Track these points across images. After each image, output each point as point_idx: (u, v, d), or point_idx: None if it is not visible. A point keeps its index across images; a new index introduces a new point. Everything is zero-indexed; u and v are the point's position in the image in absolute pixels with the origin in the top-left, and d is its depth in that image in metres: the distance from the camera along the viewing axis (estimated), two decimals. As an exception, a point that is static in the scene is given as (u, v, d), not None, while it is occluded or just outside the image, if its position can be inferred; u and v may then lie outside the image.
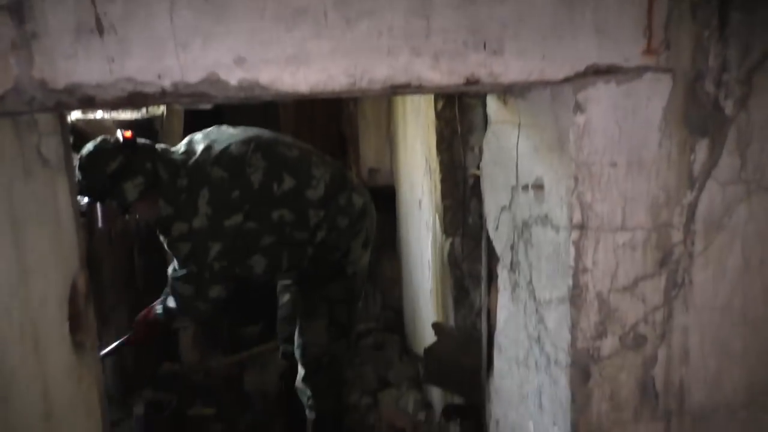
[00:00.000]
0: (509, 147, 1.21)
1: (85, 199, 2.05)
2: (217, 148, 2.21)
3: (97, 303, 2.82)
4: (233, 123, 2.43)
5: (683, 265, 1.04)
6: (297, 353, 2.42)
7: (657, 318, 1.06)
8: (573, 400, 1.06)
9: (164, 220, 2.16)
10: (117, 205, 2.11)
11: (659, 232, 1.02)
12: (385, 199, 3.89)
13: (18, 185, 1.00)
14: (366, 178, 4.14)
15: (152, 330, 2.45)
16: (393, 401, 3.23)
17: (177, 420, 2.73)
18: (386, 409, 3.14)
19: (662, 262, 1.04)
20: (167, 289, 2.34)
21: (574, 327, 1.04)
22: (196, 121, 3.47)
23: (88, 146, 2.08)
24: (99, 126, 3.16)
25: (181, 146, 2.26)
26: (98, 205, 2.14)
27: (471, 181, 2.38)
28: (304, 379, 2.41)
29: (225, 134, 2.30)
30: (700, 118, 1.00)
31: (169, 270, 2.33)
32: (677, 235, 1.03)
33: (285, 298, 2.63)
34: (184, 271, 2.21)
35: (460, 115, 2.30)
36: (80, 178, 2.02)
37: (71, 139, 2.68)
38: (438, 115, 2.42)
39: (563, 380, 1.07)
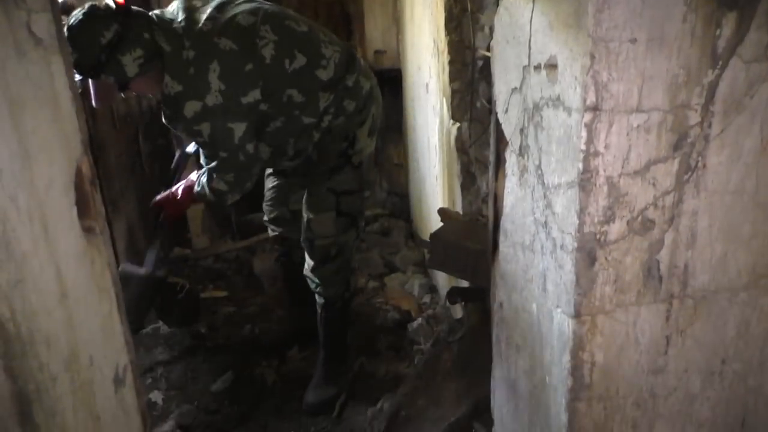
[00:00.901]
0: (522, 23, 1.15)
1: (77, 77, 1.85)
2: (222, 18, 2.00)
3: (104, 189, 2.85)
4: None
5: (698, 148, 1.02)
6: (305, 245, 2.42)
7: (667, 202, 1.05)
8: (577, 284, 1.07)
9: (173, 100, 1.97)
10: (114, 81, 1.93)
11: (676, 114, 0.99)
12: (392, 82, 3.79)
13: (11, 66, 0.96)
14: (371, 61, 4.02)
15: (186, 200, 2.37)
16: (399, 285, 3.33)
17: (190, 302, 2.83)
18: (392, 293, 3.25)
19: (676, 146, 1.01)
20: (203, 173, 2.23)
21: (582, 211, 1.03)
22: None
23: (76, 14, 1.86)
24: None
25: (178, 12, 2.03)
26: (91, 82, 1.94)
27: (480, 62, 2.31)
28: (312, 269, 2.43)
29: (227, 4, 2.08)
30: (729, -10, 0.94)
31: (202, 160, 2.19)
32: (694, 117, 1.00)
33: (271, 182, 2.59)
34: (216, 163, 2.09)
35: (470, -9, 2.19)
36: (73, 49, 1.81)
37: (63, 19, 2.58)
38: (447, -8, 2.31)
39: (569, 264, 1.08)
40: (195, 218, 3.57)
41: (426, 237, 2.57)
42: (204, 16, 2.01)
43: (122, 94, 2.08)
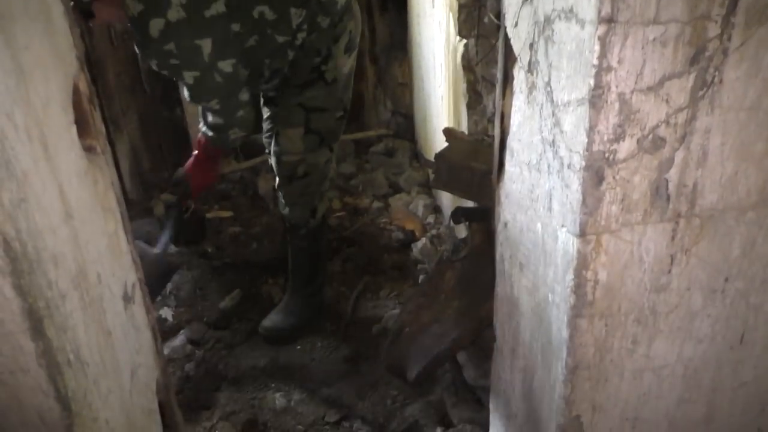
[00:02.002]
0: (536, -71, 1.08)
1: None
2: None
3: (104, 108, 2.81)
4: None
5: (715, 63, 0.98)
6: (273, 161, 2.37)
7: (679, 120, 1.02)
8: (584, 203, 1.06)
9: (137, 22, 1.89)
10: (74, 8, 1.80)
11: (695, 26, 0.94)
12: (396, -3, 3.66)
13: (-2, -23, 0.91)
14: (375, -26, 3.86)
15: (203, 157, 2.32)
16: (403, 205, 3.33)
17: (196, 222, 2.85)
18: (396, 213, 3.26)
19: (693, 60, 0.97)
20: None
21: (591, 129, 1.01)
22: None
23: None
24: None
25: None
26: None
27: (490, -26, 2.21)
28: (278, 186, 2.39)
29: None
30: None
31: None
32: (714, 29, 0.95)
33: (266, 113, 2.50)
34: (190, 85, 2.03)
35: None
36: None
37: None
38: None
39: (575, 183, 1.07)
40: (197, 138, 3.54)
41: (431, 157, 2.55)
42: None
43: (90, 24, 1.99)
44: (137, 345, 1.29)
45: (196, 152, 2.35)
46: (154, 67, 2.06)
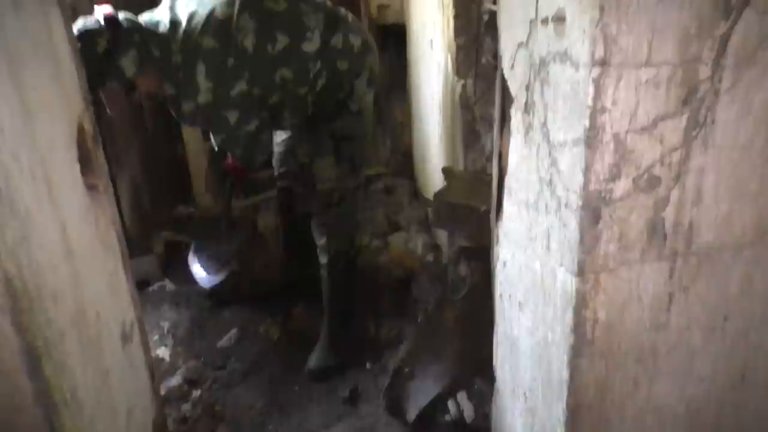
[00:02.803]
0: (530, -24, 1.12)
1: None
2: (202, 13, 2.09)
3: (107, 146, 2.83)
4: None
5: (707, 103, 1.00)
6: (307, 193, 2.45)
7: (674, 159, 1.03)
8: (581, 242, 1.07)
9: (172, 100, 2.16)
10: (118, 84, 2.07)
11: (686, 68, 0.97)
12: (396, 37, 3.73)
13: (9, 20, 0.94)
14: (375, 15, 3.94)
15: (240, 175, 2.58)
16: (402, 243, 3.34)
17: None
18: (396, 251, 3.26)
19: (686, 101, 0.99)
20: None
21: (587, 169, 1.02)
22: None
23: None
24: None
25: (164, 15, 2.14)
26: (101, 92, 2.08)
27: (486, 17, 2.26)
28: (316, 217, 2.47)
29: None
30: (745, -62, 0.91)
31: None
32: (705, 71, 0.98)
33: (280, 137, 2.64)
34: (220, 141, 2.26)
35: (476, -58, 2.13)
36: None
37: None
38: (452, -57, 2.25)
39: (573, 222, 1.08)
40: (198, 176, 3.57)
41: (430, 196, 2.57)
42: (185, 15, 2.10)
43: (133, 97, 2.20)
44: (134, 385, 1.28)
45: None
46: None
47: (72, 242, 1.04)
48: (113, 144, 2.96)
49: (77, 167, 1.11)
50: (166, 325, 2.75)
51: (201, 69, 2.06)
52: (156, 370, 1.41)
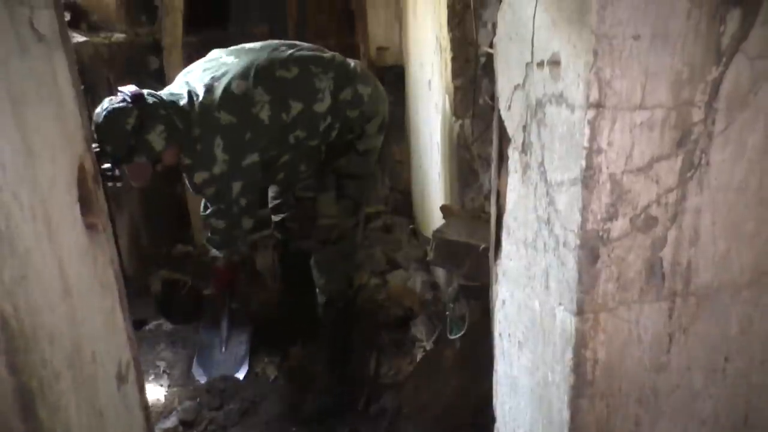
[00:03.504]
0: (525, 20, 1.14)
1: (109, 166, 2.09)
2: (218, 87, 2.18)
3: (106, 186, 2.85)
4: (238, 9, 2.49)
5: (701, 145, 1.02)
6: (309, 227, 2.50)
7: (670, 199, 1.04)
8: (580, 281, 1.07)
9: (186, 169, 2.25)
10: (146, 160, 2.14)
11: (679, 111, 0.98)
12: (394, 78, 3.79)
13: (14, 63, 0.96)
14: (374, 57, 4.01)
15: (225, 275, 2.55)
16: (401, 282, 3.32)
17: (192, 299, 2.84)
18: (394, 289, 3.25)
19: (680, 143, 1.01)
20: (206, 233, 2.47)
21: (584, 209, 1.03)
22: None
23: (99, 111, 2.07)
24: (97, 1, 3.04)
25: (182, 89, 2.22)
26: (125, 166, 2.16)
27: (483, 59, 2.30)
28: (315, 253, 2.50)
29: (221, 68, 2.24)
30: (733, -14, 0.93)
31: (201, 209, 2.46)
32: (698, 114, 0.99)
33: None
34: (214, 209, 2.31)
35: (473, -13, 2.18)
36: (103, 143, 2.04)
37: (67, 16, 2.61)
38: (450, -11, 2.30)
39: (571, 262, 1.08)
40: (197, 215, 3.57)
41: (428, 234, 2.57)
42: (202, 88, 2.19)
43: (157, 170, 2.26)
44: (129, 426, 1.26)
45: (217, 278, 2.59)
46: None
47: (70, 281, 1.04)
48: (113, 183, 2.97)
49: (77, 207, 1.11)
50: (162, 364, 2.72)
51: (219, 142, 2.15)
52: (151, 411, 1.39)
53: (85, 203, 1.14)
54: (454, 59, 2.43)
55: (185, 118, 2.17)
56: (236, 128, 2.17)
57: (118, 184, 2.18)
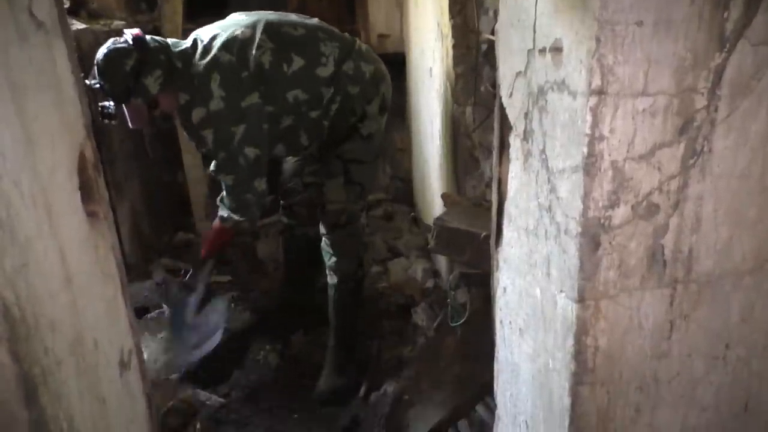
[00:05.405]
0: (527, 6, 1.14)
1: (111, 104, 2.15)
2: (224, 35, 2.25)
3: (107, 174, 2.86)
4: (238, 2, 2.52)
5: (704, 132, 1.01)
6: (319, 213, 2.52)
7: (672, 187, 1.04)
8: (581, 268, 1.07)
9: (184, 109, 2.24)
10: (142, 101, 2.18)
11: (682, 98, 0.98)
12: (395, 66, 3.77)
13: (13, 51, 0.95)
14: (375, 45, 3.99)
15: (220, 236, 2.51)
16: (402, 270, 3.33)
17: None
18: (395, 277, 3.25)
19: (682, 130, 1.00)
20: (219, 197, 2.43)
21: (586, 196, 1.03)
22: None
23: (102, 51, 2.14)
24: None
25: (189, 41, 2.31)
26: (124, 106, 2.20)
27: (484, 46, 2.29)
28: (326, 237, 2.53)
29: (230, 21, 2.34)
30: (738, -29, 0.92)
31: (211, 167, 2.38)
32: (701, 101, 0.99)
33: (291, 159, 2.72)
34: (219, 161, 2.28)
35: (475, -26, 2.17)
36: (101, 82, 2.10)
37: (67, 3, 2.62)
38: (451, -25, 2.29)
39: (572, 249, 1.08)
40: (198, 203, 3.57)
41: (429, 222, 2.57)
42: (208, 37, 2.27)
43: (155, 114, 2.29)
44: (131, 413, 1.26)
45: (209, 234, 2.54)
46: (195, 148, 2.41)
47: (71, 269, 1.04)
48: (114, 171, 2.98)
49: (78, 195, 1.11)
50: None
51: (216, 77, 2.17)
52: (153, 399, 1.40)
53: (86, 191, 1.14)
54: (455, 46, 2.42)
55: (186, 60, 2.22)
56: (234, 66, 2.20)
57: (113, 122, 2.22)
